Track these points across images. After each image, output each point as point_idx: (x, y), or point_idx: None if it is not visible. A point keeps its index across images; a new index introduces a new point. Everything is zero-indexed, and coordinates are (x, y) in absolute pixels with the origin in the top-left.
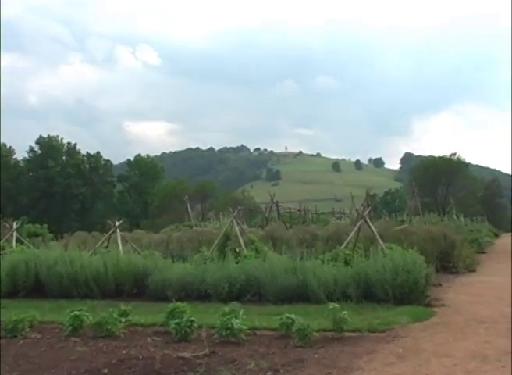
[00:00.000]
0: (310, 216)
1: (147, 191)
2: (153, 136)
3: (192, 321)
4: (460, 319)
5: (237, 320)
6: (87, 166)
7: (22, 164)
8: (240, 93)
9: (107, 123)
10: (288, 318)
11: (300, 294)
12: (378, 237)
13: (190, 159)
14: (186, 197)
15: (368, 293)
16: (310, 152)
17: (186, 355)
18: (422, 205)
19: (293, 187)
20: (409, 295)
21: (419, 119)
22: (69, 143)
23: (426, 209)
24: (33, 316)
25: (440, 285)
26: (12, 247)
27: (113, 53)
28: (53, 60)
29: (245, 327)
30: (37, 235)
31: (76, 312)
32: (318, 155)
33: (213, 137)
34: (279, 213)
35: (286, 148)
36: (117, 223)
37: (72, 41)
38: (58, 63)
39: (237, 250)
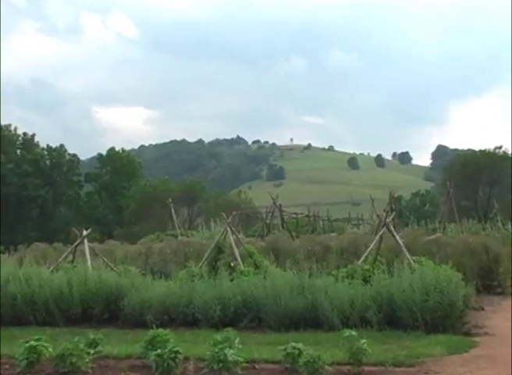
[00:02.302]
0: (321, 223)
1: (122, 192)
2: (129, 125)
3: (177, 352)
4: (507, 351)
5: (232, 351)
6: (48, 161)
7: None
8: (235, 72)
9: (71, 108)
10: (294, 348)
11: (308, 319)
12: (404, 249)
13: (174, 154)
14: (170, 200)
15: (393, 318)
16: (321, 145)
17: None
18: (459, 210)
19: (300, 188)
20: (443, 321)
21: (456, 104)
22: (24, 133)
23: (464, 215)
24: None
25: (482, 309)
26: None
27: (78, 21)
28: (1, 28)
29: (241, 359)
30: None
31: (33, 343)
32: (331, 148)
33: (202, 127)
34: (282, 220)
35: (291, 141)
36: (84, 232)
37: (27, 5)
38: (7, 32)
39: (232, 265)
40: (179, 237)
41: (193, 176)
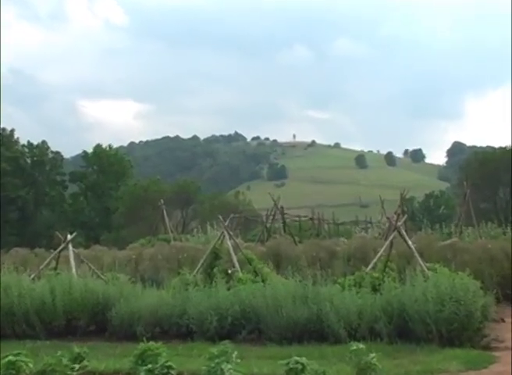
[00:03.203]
0: (326, 226)
1: (110, 193)
2: (117, 120)
3: (169, 367)
4: None
5: (229, 366)
6: (29, 160)
7: None
8: (233, 62)
9: (55, 101)
10: (297, 363)
11: (313, 331)
12: (416, 254)
13: (166, 151)
14: (162, 201)
15: (404, 330)
16: (326, 142)
17: None
18: (477, 213)
19: (304, 189)
20: (460, 334)
21: (472, 97)
22: (3, 129)
23: (482, 218)
24: None
25: (502, 321)
26: None
27: (63, 8)
28: None
29: None
30: None
31: (12, 358)
32: (337, 145)
33: (197, 122)
34: (284, 223)
35: (294, 137)
36: (69, 237)
37: None
38: None
39: (229, 272)
40: (172, 242)
41: (187, 175)
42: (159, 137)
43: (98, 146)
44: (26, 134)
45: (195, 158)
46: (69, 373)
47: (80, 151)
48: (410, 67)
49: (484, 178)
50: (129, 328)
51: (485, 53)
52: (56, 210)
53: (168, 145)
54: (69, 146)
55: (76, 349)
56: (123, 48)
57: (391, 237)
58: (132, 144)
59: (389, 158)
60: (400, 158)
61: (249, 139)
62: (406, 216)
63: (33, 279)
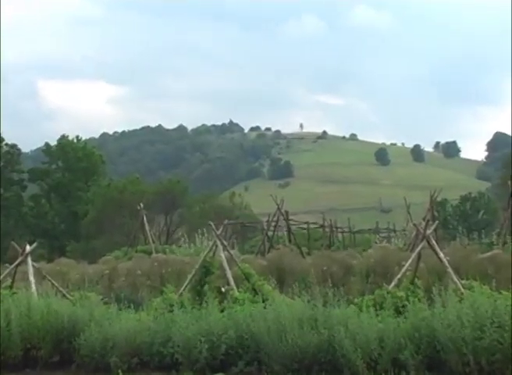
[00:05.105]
0: (339, 235)
1: (78, 195)
2: (86, 105)
3: None
4: None
5: None
6: None
7: None
8: (229, 37)
9: (9, 84)
10: None
11: (324, 362)
12: (450, 269)
13: (146, 144)
14: (142, 205)
15: (435, 361)
16: (339, 133)
17: None
18: None
19: (313, 190)
20: (503, 367)
21: None
22: None
23: None
24: None
25: None
26: None
27: None
28: None
29: None
30: None
31: None
32: (353, 137)
33: (184, 109)
34: (289, 231)
35: (301, 127)
36: (28, 248)
37: None
38: None
39: (223, 290)
40: (154, 254)
41: (172, 173)
42: (137, 127)
43: (63, 138)
44: None
45: (181, 152)
46: None
47: (41, 144)
48: (443, 43)
49: None
50: (102, 359)
51: None
52: (12, 215)
53: (149, 137)
54: (27, 138)
55: None
56: (92, 18)
57: (418, 248)
58: (104, 135)
59: (417, 152)
60: (429, 152)
61: (247, 130)
62: (437, 222)
63: None
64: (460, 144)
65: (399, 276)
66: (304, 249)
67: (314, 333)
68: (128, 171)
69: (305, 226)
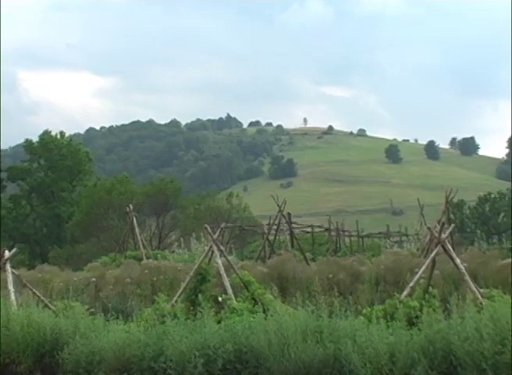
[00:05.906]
0: (347, 239)
1: (62, 196)
2: (71, 98)
3: None
4: None
5: None
6: None
7: None
8: (227, 24)
9: None
10: None
11: None
12: (467, 277)
13: (136, 141)
14: (131, 207)
15: None
16: (347, 128)
17: None
18: None
19: (318, 190)
20: None
21: None
22: None
23: None
24: None
25: None
26: None
27: None
28: None
29: None
30: None
31: None
32: (362, 133)
33: (177, 102)
34: (292, 235)
35: (304, 122)
36: (7, 254)
37: None
38: None
39: (220, 299)
40: (145, 261)
41: (164, 172)
42: (126, 121)
43: (46, 133)
44: None
45: (174, 149)
46: None
47: (21, 141)
48: (460, 32)
49: None
50: (87, 374)
51: None
52: None
53: (139, 133)
54: (6, 133)
55: None
56: (77, 2)
57: (433, 254)
58: (91, 130)
59: (431, 149)
60: (444, 149)
61: (246, 125)
62: (453, 225)
63: None
64: (478, 141)
65: (411, 284)
66: (308, 255)
67: (319, 347)
68: (116, 170)
69: (309, 229)
